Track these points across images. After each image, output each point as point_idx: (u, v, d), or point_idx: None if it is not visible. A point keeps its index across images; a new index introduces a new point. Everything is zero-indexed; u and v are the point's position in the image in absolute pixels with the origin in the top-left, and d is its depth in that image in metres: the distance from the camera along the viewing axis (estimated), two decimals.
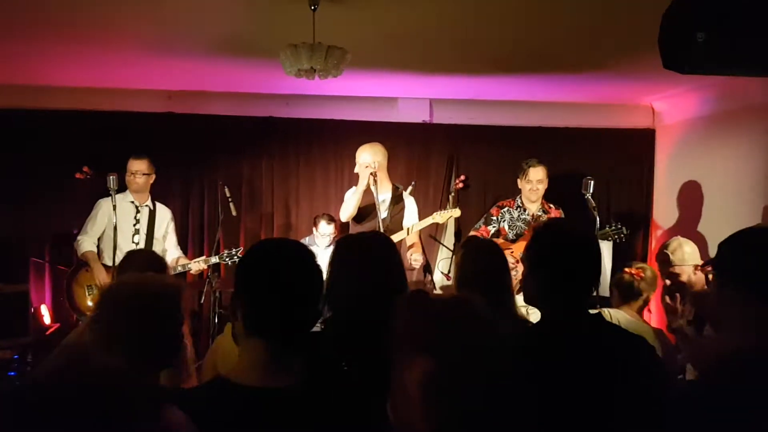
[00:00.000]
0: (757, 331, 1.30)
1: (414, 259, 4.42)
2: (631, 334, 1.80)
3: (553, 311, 1.77)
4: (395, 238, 4.44)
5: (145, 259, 2.86)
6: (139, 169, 4.48)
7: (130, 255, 3.08)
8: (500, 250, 2.70)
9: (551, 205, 4.84)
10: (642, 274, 3.15)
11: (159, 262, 2.86)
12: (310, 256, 1.47)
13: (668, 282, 3.48)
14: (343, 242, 2.23)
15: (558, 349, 1.65)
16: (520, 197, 4.80)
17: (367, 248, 2.14)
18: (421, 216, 4.63)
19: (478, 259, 2.60)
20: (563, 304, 1.75)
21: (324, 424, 1.36)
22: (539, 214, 4.76)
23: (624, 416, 1.57)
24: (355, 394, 1.46)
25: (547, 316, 1.79)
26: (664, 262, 3.52)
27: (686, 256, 3.45)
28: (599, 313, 1.86)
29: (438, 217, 4.58)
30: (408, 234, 4.47)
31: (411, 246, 4.52)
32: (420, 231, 4.60)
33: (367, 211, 4.47)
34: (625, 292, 3.16)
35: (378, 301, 1.76)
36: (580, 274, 1.75)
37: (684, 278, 3.42)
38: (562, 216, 4.83)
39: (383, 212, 4.41)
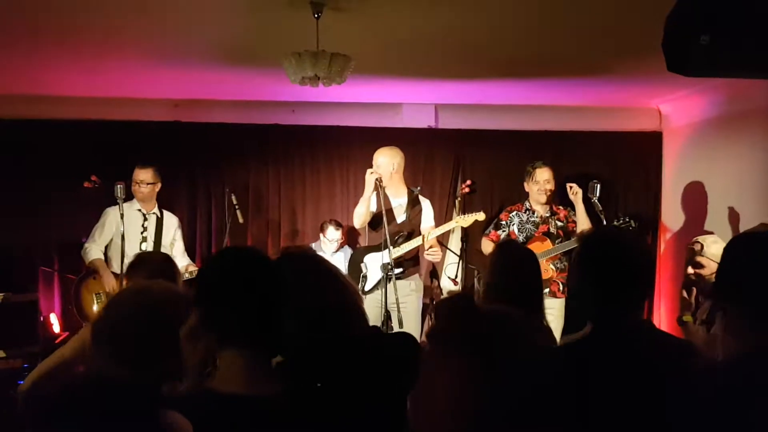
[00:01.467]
0: (753, 339, 1.29)
1: (428, 253, 4.36)
2: (680, 341, 1.79)
3: (611, 321, 1.73)
4: (412, 244, 4.41)
5: (158, 263, 2.80)
6: (144, 178, 4.51)
7: (142, 258, 2.96)
8: (536, 259, 2.63)
9: (560, 207, 4.83)
10: None
11: (171, 267, 2.77)
12: (269, 264, 1.45)
13: (690, 270, 3.45)
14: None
15: (614, 360, 1.63)
16: (528, 200, 4.80)
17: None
18: (435, 221, 4.62)
19: (515, 265, 2.53)
20: (621, 314, 1.72)
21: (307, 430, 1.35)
22: (547, 215, 4.76)
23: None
24: (336, 402, 1.45)
25: (603, 326, 1.75)
26: (695, 250, 3.49)
27: (720, 254, 3.40)
28: (649, 322, 1.84)
29: (462, 221, 4.56)
30: (424, 240, 4.42)
31: (430, 246, 4.47)
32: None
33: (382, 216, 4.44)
34: None
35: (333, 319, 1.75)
36: (637, 282, 1.73)
37: (707, 272, 3.39)
38: (570, 216, 4.82)
39: (401, 216, 4.40)
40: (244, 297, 1.36)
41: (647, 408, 1.56)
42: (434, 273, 5.08)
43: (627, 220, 4.63)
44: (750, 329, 1.30)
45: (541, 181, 4.68)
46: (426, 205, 4.57)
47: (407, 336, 1.97)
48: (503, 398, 1.10)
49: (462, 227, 4.89)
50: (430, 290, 5.00)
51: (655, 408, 1.56)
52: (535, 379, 1.13)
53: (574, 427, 1.29)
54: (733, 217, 4.71)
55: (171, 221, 4.71)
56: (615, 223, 4.65)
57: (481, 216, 4.56)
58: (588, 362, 1.59)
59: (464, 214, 4.66)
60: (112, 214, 4.44)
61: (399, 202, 4.41)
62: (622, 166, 5.72)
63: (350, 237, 5.46)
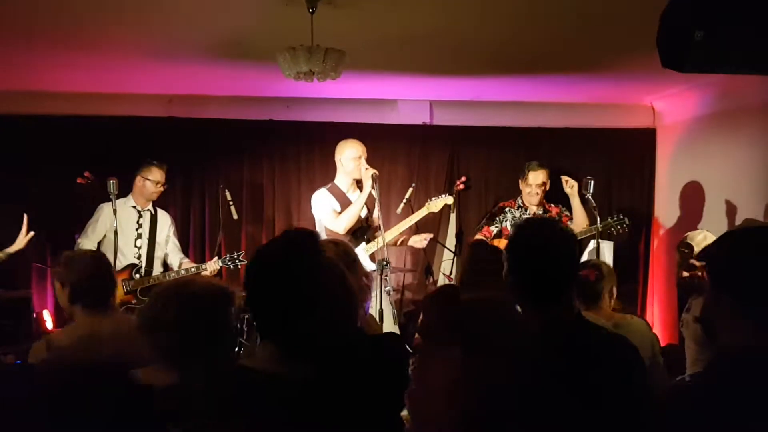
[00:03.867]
0: (744, 334, 1.30)
1: (415, 241, 4.37)
2: (612, 334, 1.80)
3: (532, 310, 1.75)
4: (390, 234, 4.39)
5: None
6: (161, 179, 4.51)
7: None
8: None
9: (551, 204, 4.84)
10: (595, 273, 2.87)
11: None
12: (317, 252, 1.43)
13: (686, 274, 3.45)
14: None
15: (533, 349, 1.65)
16: (521, 197, 4.81)
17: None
18: (423, 219, 4.62)
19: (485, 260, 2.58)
20: (541, 302, 1.73)
21: (334, 412, 1.36)
22: (540, 213, 4.77)
23: (609, 415, 1.57)
24: (365, 386, 1.45)
25: (526, 315, 1.78)
26: (685, 253, 3.48)
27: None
28: (579, 314, 1.83)
29: (432, 206, 4.56)
30: (404, 227, 4.43)
31: (402, 243, 4.43)
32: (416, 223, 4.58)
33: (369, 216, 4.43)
34: (586, 297, 2.82)
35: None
36: (554, 271, 1.73)
37: (701, 272, 3.37)
38: (563, 213, 4.83)
39: (365, 211, 4.35)
40: (282, 296, 1.37)
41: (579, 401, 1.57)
42: (428, 269, 5.09)
43: (621, 217, 4.65)
44: (744, 321, 1.30)
45: (533, 185, 4.68)
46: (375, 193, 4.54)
47: (395, 335, 2.00)
48: (485, 385, 1.12)
49: (457, 223, 4.92)
50: (425, 287, 5.01)
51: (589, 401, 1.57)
52: (516, 363, 1.15)
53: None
54: (727, 213, 4.73)
55: (164, 218, 4.70)
56: (609, 220, 4.66)
57: (449, 199, 4.61)
58: (524, 354, 1.60)
59: (433, 198, 4.64)
60: (106, 210, 4.42)
61: (360, 195, 4.29)
62: (615, 162, 5.74)
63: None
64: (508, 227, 4.77)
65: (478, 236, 4.85)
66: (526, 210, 4.77)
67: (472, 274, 2.58)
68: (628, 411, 1.57)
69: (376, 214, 4.45)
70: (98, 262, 2.61)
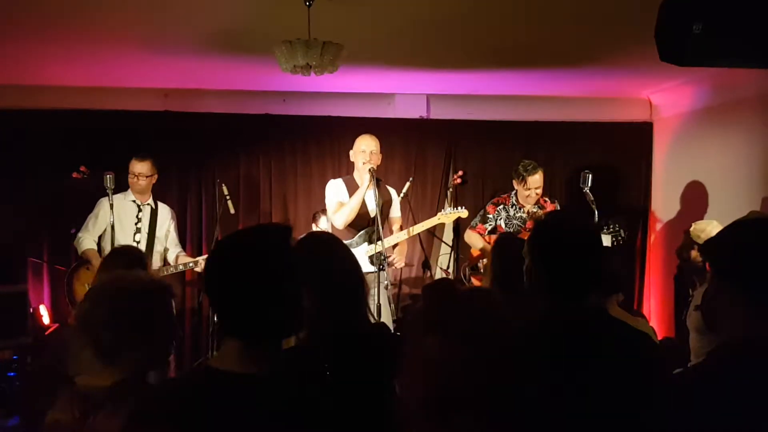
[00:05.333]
0: (744, 323, 1.30)
1: (395, 260, 4.32)
2: (634, 330, 1.79)
3: (555, 305, 1.75)
4: (396, 238, 4.39)
5: (127, 256, 2.86)
6: (141, 171, 4.45)
7: (114, 253, 3.07)
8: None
9: (546, 199, 4.83)
10: None
11: (140, 259, 2.87)
12: (283, 245, 1.41)
13: (695, 253, 3.47)
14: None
15: (558, 344, 1.64)
16: (515, 194, 4.77)
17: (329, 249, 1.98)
18: (419, 213, 4.61)
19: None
20: (565, 298, 1.73)
21: (296, 409, 1.35)
22: (535, 210, 4.75)
23: (622, 409, 1.57)
24: (327, 383, 1.45)
25: (549, 310, 1.77)
26: (688, 244, 3.50)
27: None
28: (600, 308, 1.84)
29: (444, 217, 4.52)
30: (408, 236, 4.40)
31: (396, 245, 4.40)
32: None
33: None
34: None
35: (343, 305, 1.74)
36: (581, 267, 1.73)
37: None
38: (558, 209, 4.82)
39: (373, 208, 4.30)
40: (244, 288, 1.34)
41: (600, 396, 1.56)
42: (426, 264, 5.10)
43: (617, 228, 4.57)
44: (745, 311, 1.30)
45: (532, 188, 4.63)
46: (393, 193, 4.50)
47: (384, 325, 2.03)
48: (462, 372, 1.13)
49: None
50: (423, 281, 5.01)
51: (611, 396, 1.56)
52: (494, 353, 1.16)
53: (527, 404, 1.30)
54: (724, 206, 4.73)
55: (165, 212, 4.67)
56: (604, 230, 4.53)
57: (464, 213, 4.53)
58: (538, 348, 1.59)
59: (453, 207, 4.62)
60: (106, 204, 4.39)
61: (371, 193, 4.19)
62: (612, 156, 5.74)
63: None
64: (503, 225, 4.74)
65: (471, 233, 4.81)
66: (520, 208, 4.75)
67: (505, 272, 2.51)
68: (648, 407, 1.57)
69: (396, 213, 4.41)
70: None
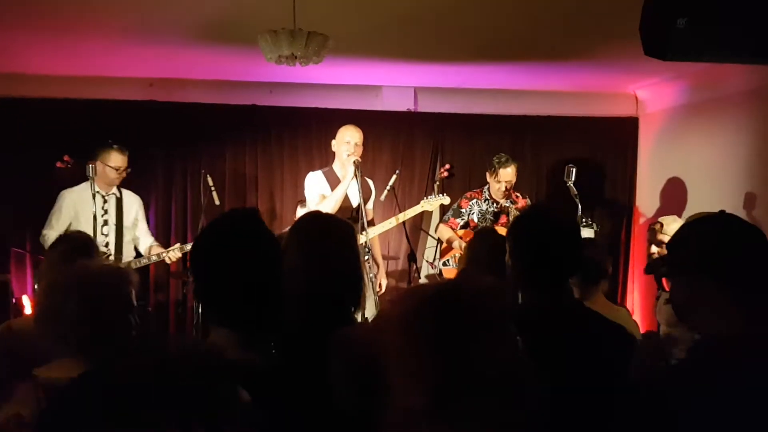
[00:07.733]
0: (729, 320, 1.29)
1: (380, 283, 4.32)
2: (609, 322, 1.80)
3: (533, 297, 1.76)
4: (382, 227, 4.40)
5: (72, 243, 2.74)
6: (122, 165, 4.27)
7: (59, 241, 2.89)
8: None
9: (518, 195, 4.85)
10: None
11: (86, 246, 2.74)
12: (266, 235, 1.40)
13: (654, 249, 3.54)
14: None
15: (530, 337, 1.64)
16: (488, 189, 4.79)
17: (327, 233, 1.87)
18: (406, 206, 4.60)
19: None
20: (543, 289, 1.74)
21: (292, 397, 1.35)
22: (507, 204, 4.76)
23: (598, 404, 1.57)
24: (323, 371, 1.44)
25: (527, 302, 1.78)
26: (655, 230, 3.55)
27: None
28: (576, 301, 1.85)
29: (427, 204, 4.52)
30: (396, 223, 4.40)
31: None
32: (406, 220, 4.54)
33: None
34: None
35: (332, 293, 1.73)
36: (559, 259, 1.74)
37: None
38: (529, 204, 4.84)
39: (357, 201, 4.21)
40: (232, 276, 1.34)
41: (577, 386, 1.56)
42: (412, 256, 5.09)
43: (589, 222, 4.59)
44: (738, 309, 1.29)
45: (503, 182, 4.65)
46: (373, 187, 4.46)
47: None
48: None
49: (437, 212, 4.89)
50: (408, 273, 5.01)
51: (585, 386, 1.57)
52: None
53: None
54: (708, 202, 4.77)
55: (131, 200, 4.47)
56: (582, 225, 4.55)
57: (446, 200, 4.55)
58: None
59: (429, 197, 4.63)
60: (68, 197, 4.25)
61: (353, 184, 4.07)
62: (598, 150, 5.77)
63: None
64: (475, 219, 4.75)
65: (443, 227, 4.81)
66: (493, 203, 4.76)
67: (480, 264, 2.51)
68: (620, 398, 1.57)
69: (370, 206, 4.39)
70: None
